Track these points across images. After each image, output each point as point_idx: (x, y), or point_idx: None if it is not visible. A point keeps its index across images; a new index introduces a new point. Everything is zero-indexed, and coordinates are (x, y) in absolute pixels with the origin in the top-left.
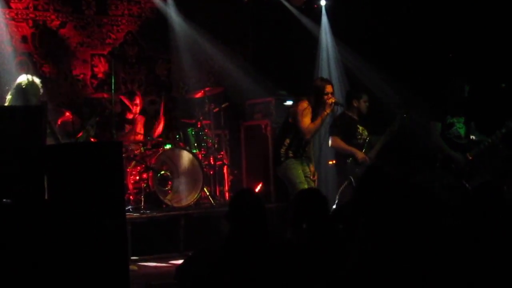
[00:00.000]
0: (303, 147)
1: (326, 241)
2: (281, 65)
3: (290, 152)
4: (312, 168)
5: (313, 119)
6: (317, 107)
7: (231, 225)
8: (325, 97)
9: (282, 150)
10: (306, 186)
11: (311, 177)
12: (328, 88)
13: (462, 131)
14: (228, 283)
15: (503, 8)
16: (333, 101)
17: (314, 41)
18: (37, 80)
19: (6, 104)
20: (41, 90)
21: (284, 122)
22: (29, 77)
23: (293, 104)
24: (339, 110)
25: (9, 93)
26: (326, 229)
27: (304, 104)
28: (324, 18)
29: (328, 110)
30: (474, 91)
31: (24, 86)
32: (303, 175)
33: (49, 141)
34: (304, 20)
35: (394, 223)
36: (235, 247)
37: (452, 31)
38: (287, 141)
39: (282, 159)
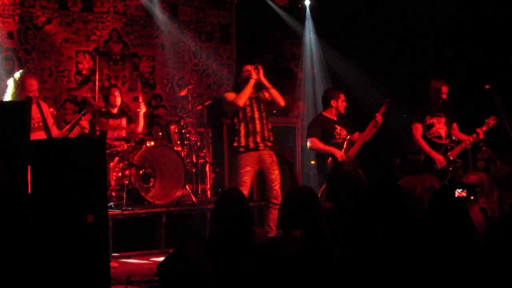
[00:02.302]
0: (255, 133)
1: (320, 243)
2: (265, 63)
3: (242, 145)
4: (274, 158)
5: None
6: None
7: (215, 224)
8: (245, 74)
9: (235, 143)
10: (246, 189)
11: (271, 168)
12: (246, 67)
13: (442, 132)
14: (209, 281)
15: (488, 10)
16: (254, 67)
17: (298, 39)
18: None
19: (8, 95)
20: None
21: (231, 121)
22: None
23: None
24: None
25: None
26: (320, 231)
27: (230, 93)
28: (308, 18)
29: (252, 78)
30: (457, 92)
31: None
32: (253, 172)
33: (41, 134)
34: (288, 19)
35: (365, 222)
36: (219, 246)
37: (436, 31)
38: (236, 131)
39: (236, 154)
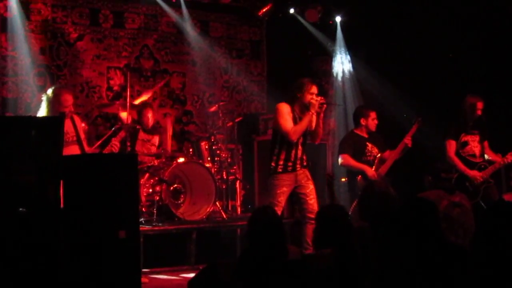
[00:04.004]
0: (296, 158)
1: (352, 261)
2: (295, 80)
3: (280, 166)
4: (308, 174)
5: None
6: (302, 109)
7: (249, 241)
8: (309, 97)
9: (272, 163)
10: (280, 209)
11: (305, 183)
12: (313, 89)
13: (476, 150)
14: None
15: None
16: (321, 101)
17: (329, 56)
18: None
19: (43, 109)
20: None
21: (272, 133)
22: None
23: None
24: (337, 108)
25: (46, 100)
26: (351, 249)
27: (285, 106)
28: (339, 34)
29: (313, 110)
30: (491, 109)
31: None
32: (288, 193)
33: (74, 149)
34: (319, 35)
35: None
36: (251, 263)
37: (470, 48)
38: (276, 151)
39: (271, 172)
